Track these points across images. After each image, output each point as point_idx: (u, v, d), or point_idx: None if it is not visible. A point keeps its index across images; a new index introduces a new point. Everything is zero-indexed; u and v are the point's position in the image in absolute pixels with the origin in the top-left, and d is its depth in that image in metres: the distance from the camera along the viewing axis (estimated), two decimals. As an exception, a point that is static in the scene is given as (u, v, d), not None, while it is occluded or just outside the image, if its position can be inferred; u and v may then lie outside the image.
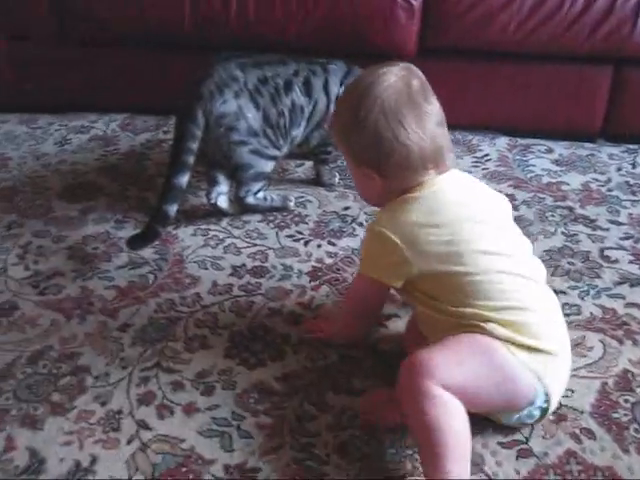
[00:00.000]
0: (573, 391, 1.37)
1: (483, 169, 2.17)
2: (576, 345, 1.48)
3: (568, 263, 1.73)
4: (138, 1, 2.28)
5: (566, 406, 1.34)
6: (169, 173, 1.79)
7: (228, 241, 1.84)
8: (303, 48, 2.24)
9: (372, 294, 1.39)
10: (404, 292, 1.33)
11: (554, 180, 2.11)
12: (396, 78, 1.26)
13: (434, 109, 1.27)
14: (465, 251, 1.23)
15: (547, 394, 1.23)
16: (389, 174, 1.28)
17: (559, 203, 1.99)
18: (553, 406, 1.26)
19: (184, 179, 1.78)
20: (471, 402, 1.17)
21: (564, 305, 1.58)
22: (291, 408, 1.35)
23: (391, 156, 1.25)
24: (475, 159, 2.23)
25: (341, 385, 1.40)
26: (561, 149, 2.29)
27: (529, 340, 1.21)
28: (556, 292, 1.59)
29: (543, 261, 1.67)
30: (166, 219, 1.77)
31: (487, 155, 2.26)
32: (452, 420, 1.14)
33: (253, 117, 1.82)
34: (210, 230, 1.89)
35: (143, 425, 1.32)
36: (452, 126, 2.31)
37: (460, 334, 1.22)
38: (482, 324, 1.21)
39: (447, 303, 1.25)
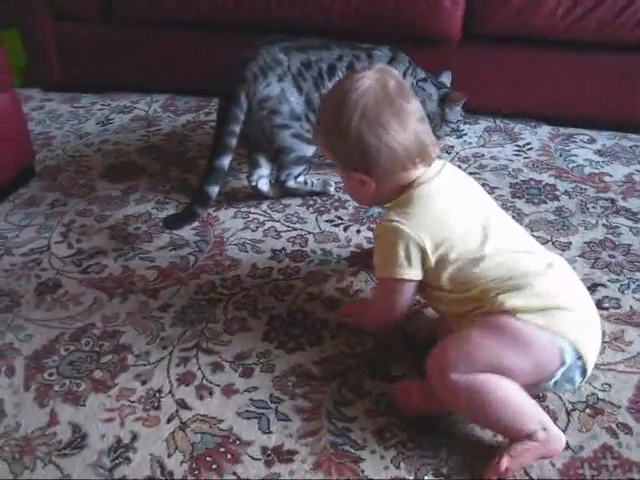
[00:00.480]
0: (610, 385, 1.36)
1: (525, 158, 2.15)
2: (615, 339, 1.47)
3: (609, 256, 1.71)
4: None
5: (603, 400, 1.33)
6: (212, 155, 1.80)
7: (268, 224, 1.85)
8: (346, 32, 2.23)
9: (397, 297, 1.35)
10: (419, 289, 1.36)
11: (596, 171, 2.08)
12: (371, 81, 1.28)
13: (413, 107, 1.29)
14: (470, 238, 1.27)
15: (576, 349, 1.20)
16: (380, 175, 1.30)
17: (601, 194, 1.96)
18: (590, 363, 1.23)
19: (226, 161, 1.80)
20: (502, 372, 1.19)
21: (604, 298, 1.58)
22: (329, 392, 1.36)
23: (379, 158, 1.27)
24: (517, 147, 2.21)
25: (378, 371, 1.40)
26: (604, 139, 2.26)
27: (537, 301, 1.21)
28: (596, 285, 1.61)
29: (583, 253, 1.70)
30: (207, 200, 1.79)
31: (529, 144, 2.24)
32: (496, 395, 1.17)
33: (296, 101, 1.82)
34: (250, 213, 1.91)
35: (183, 404, 1.34)
36: (493, 113, 2.36)
37: (471, 321, 1.25)
38: (490, 300, 1.22)
39: (455, 292, 1.28)
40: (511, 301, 1.21)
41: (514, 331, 1.20)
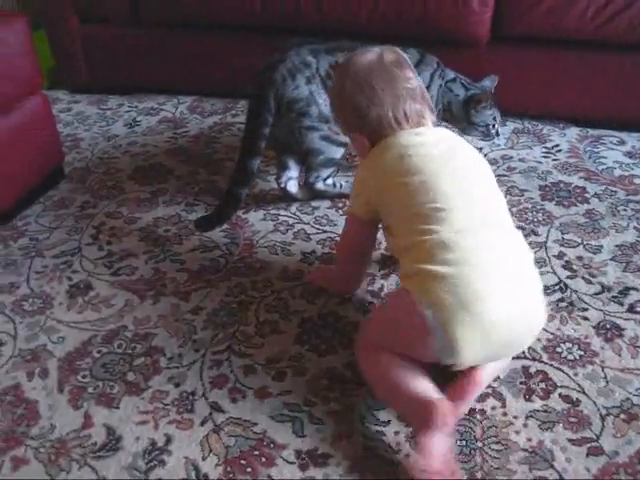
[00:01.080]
0: (645, 390, 1.36)
1: (554, 160, 2.14)
2: (649, 344, 1.47)
3: (641, 259, 1.71)
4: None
5: (637, 405, 1.33)
6: (240, 157, 1.81)
7: (298, 227, 1.85)
8: (374, 33, 2.23)
9: (357, 234, 1.52)
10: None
11: (626, 173, 2.07)
12: (372, 54, 1.42)
13: (407, 77, 1.40)
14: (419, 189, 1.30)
15: (436, 314, 1.19)
16: (371, 133, 1.41)
17: (631, 197, 1.95)
18: (462, 337, 1.19)
19: (255, 163, 1.80)
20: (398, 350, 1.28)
21: (636, 302, 1.57)
22: (361, 396, 1.36)
23: (368, 117, 1.39)
24: (545, 149, 2.20)
25: (411, 375, 1.40)
26: (634, 141, 2.25)
27: (414, 264, 1.25)
28: (628, 288, 1.60)
29: (615, 256, 1.69)
30: (237, 202, 1.80)
31: (557, 145, 2.22)
32: (389, 371, 1.28)
33: (324, 103, 1.82)
34: (280, 215, 1.91)
35: (216, 407, 1.35)
36: (521, 115, 2.35)
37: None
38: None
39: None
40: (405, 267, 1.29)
41: (390, 306, 1.32)
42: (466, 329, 1.18)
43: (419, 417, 1.21)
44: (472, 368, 1.28)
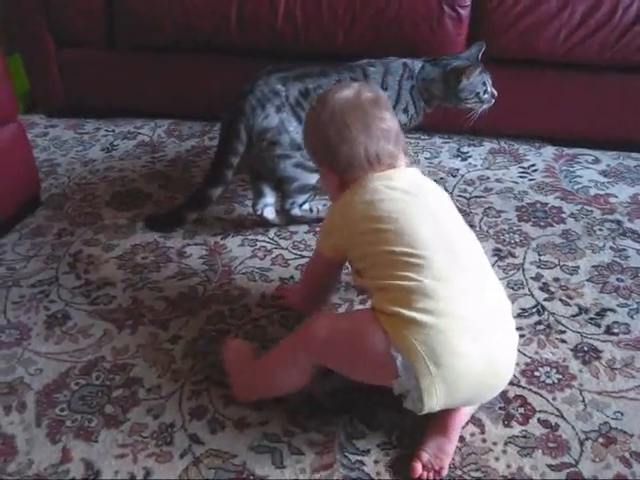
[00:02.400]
0: (622, 413, 1.37)
1: (530, 180, 2.16)
2: (625, 366, 1.48)
3: (617, 280, 1.72)
4: (186, 7, 2.29)
5: (616, 429, 1.34)
6: (204, 183, 1.87)
7: (276, 252, 1.85)
8: (350, 55, 2.23)
9: (321, 271, 1.52)
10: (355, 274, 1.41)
11: (602, 192, 2.09)
12: (349, 90, 1.41)
13: (384, 118, 1.38)
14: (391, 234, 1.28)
15: (412, 367, 1.17)
16: (341, 170, 1.38)
17: (607, 216, 1.97)
18: (431, 394, 1.18)
19: (215, 192, 1.86)
20: (344, 371, 1.32)
21: (613, 323, 1.58)
22: (341, 425, 1.36)
23: (339, 154, 1.37)
24: (522, 169, 2.21)
25: (390, 402, 1.39)
26: (608, 159, 2.27)
27: (389, 306, 1.21)
28: (605, 310, 1.61)
29: (591, 277, 1.70)
30: (181, 223, 1.92)
31: (533, 165, 2.24)
32: (289, 383, 1.35)
33: (295, 130, 1.82)
34: (258, 241, 1.91)
35: (195, 439, 1.34)
36: (498, 135, 2.36)
37: None
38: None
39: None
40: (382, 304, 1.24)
41: (361, 331, 1.24)
42: (432, 381, 1.17)
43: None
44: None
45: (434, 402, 1.19)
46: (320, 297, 1.61)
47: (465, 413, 1.32)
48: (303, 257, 1.83)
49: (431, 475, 1.26)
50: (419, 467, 1.26)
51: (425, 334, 1.17)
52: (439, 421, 1.29)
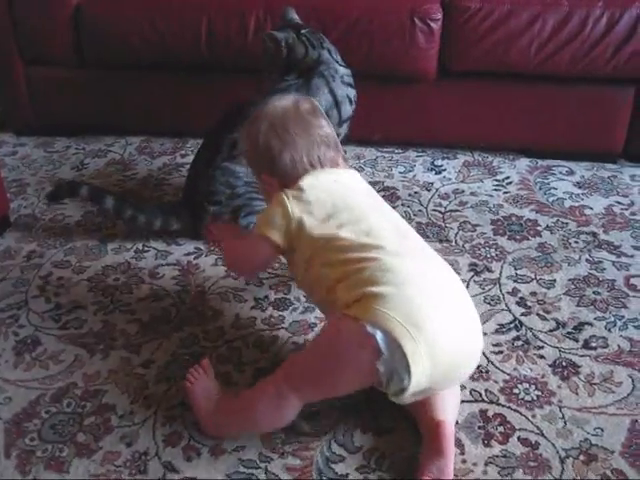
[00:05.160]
0: (603, 429, 1.36)
1: (504, 192, 2.15)
2: (604, 380, 1.47)
3: (593, 292, 1.71)
4: (155, 25, 2.27)
5: (596, 445, 1.32)
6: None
7: (249, 272, 1.82)
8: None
9: (264, 256, 1.49)
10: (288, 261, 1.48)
11: (576, 204, 2.08)
12: (287, 101, 1.48)
13: (321, 125, 1.45)
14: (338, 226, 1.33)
15: (393, 339, 1.17)
16: (282, 176, 1.43)
17: (582, 228, 1.96)
18: (418, 359, 1.17)
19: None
20: (329, 393, 1.32)
21: (591, 337, 1.57)
22: (319, 449, 1.34)
23: (281, 160, 1.42)
24: (496, 182, 2.21)
25: (368, 424, 1.38)
26: (582, 171, 2.27)
27: (358, 289, 1.23)
28: (582, 324, 1.60)
29: (568, 290, 1.69)
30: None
31: (508, 177, 2.23)
32: (271, 421, 1.33)
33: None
34: (231, 260, 1.87)
35: (170, 467, 1.31)
36: (471, 147, 2.36)
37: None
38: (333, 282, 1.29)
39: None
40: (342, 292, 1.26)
41: (331, 335, 1.27)
42: (415, 344, 1.16)
43: None
44: (434, 424, 1.27)
45: (420, 369, 1.17)
46: (251, 272, 1.70)
47: (452, 430, 1.30)
48: (278, 276, 1.81)
49: None
50: None
51: (395, 302, 1.19)
52: (433, 444, 1.27)
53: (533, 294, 1.71)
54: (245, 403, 1.34)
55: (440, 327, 1.20)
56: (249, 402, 1.33)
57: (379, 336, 1.17)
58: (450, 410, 1.33)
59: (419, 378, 1.18)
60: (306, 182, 1.39)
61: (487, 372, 1.49)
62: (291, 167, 1.41)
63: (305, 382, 1.29)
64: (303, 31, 1.99)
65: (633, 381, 1.46)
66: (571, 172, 2.27)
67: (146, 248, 1.94)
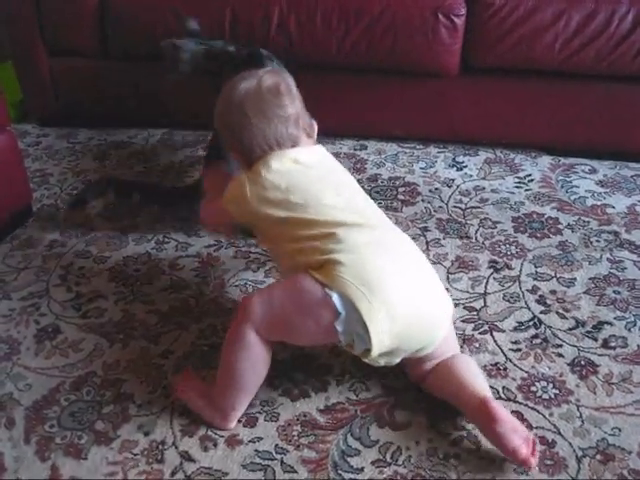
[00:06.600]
0: (620, 429, 1.35)
1: (526, 190, 2.13)
2: (623, 380, 1.46)
3: (614, 292, 1.70)
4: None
5: (613, 445, 1.32)
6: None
7: (269, 264, 1.82)
8: (344, 65, 2.24)
9: (223, 218, 1.61)
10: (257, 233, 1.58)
11: (598, 202, 2.07)
12: (249, 81, 1.49)
13: (281, 105, 1.47)
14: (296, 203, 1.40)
15: (349, 300, 1.26)
16: (245, 153, 1.49)
17: (604, 227, 1.95)
18: (375, 317, 1.26)
19: None
20: (290, 335, 1.39)
21: (610, 337, 1.56)
22: (335, 442, 1.34)
23: (242, 138, 1.47)
24: (518, 179, 2.19)
25: (384, 418, 1.38)
26: (605, 169, 2.25)
27: (318, 257, 1.33)
28: (602, 323, 1.59)
29: (588, 289, 1.68)
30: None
31: (530, 175, 2.22)
32: (248, 365, 1.36)
33: None
34: (251, 253, 1.88)
35: (187, 457, 1.32)
36: (493, 144, 2.35)
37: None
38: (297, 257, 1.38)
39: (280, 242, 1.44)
40: (305, 259, 1.35)
41: (301, 285, 1.33)
42: (369, 304, 1.26)
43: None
44: (479, 401, 1.28)
45: (378, 327, 1.26)
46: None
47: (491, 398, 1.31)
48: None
49: (532, 445, 1.26)
50: (523, 450, 1.24)
51: (350, 267, 1.29)
52: (489, 421, 1.26)
53: (553, 292, 1.70)
54: (222, 363, 1.39)
55: (395, 287, 1.30)
56: (224, 359, 1.39)
57: (335, 297, 1.27)
58: (486, 387, 1.37)
59: (379, 337, 1.27)
60: (262, 165, 1.45)
61: (505, 369, 1.49)
62: (249, 149, 1.47)
63: (266, 323, 1.34)
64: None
65: (653, 381, 1.45)
66: (594, 170, 2.25)
67: (167, 239, 1.95)
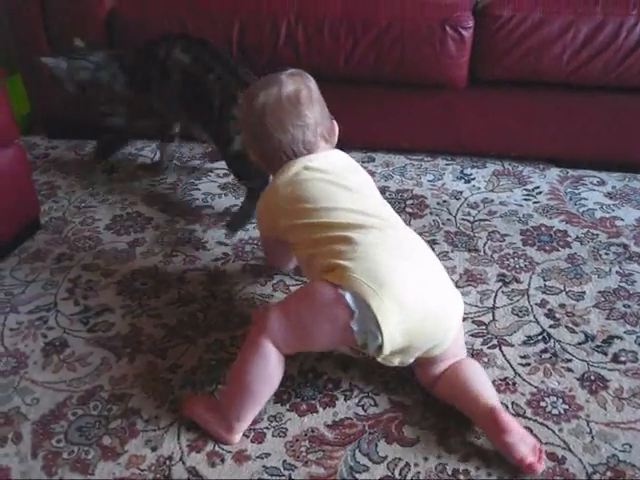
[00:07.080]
0: (631, 446, 1.34)
1: (534, 202, 2.13)
2: (633, 395, 1.44)
3: (624, 306, 1.69)
4: (188, 28, 2.27)
5: (624, 462, 1.30)
6: None
7: (277, 278, 1.82)
8: (351, 76, 2.24)
9: (271, 245, 1.71)
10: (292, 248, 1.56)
11: (607, 215, 2.06)
12: (273, 88, 1.51)
13: (300, 114, 1.50)
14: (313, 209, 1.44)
15: (361, 298, 1.28)
16: (266, 160, 1.57)
17: (613, 240, 1.94)
18: (386, 315, 1.28)
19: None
20: (307, 341, 1.39)
21: (620, 351, 1.55)
22: (343, 458, 1.33)
23: (261, 147, 1.55)
24: (526, 192, 2.19)
25: (393, 434, 1.38)
26: (614, 181, 2.24)
27: (332, 260, 1.35)
28: (612, 337, 1.58)
29: (598, 303, 1.67)
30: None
31: (538, 187, 2.21)
32: (263, 374, 1.35)
33: None
34: (259, 266, 1.88)
35: (194, 473, 1.31)
36: (501, 156, 2.34)
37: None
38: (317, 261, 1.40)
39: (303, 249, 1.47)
40: (321, 262, 1.38)
41: (314, 290, 1.36)
42: (380, 300, 1.27)
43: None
44: (489, 410, 1.29)
45: (390, 323, 1.28)
46: (282, 263, 1.80)
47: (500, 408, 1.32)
48: (305, 282, 1.80)
49: (539, 453, 1.28)
50: (530, 457, 1.26)
51: (361, 266, 1.31)
52: (498, 431, 1.28)
53: (562, 306, 1.69)
54: (234, 373, 1.39)
55: (406, 284, 1.31)
56: (236, 369, 1.38)
57: (348, 296, 1.29)
58: (494, 395, 1.37)
59: (391, 333, 1.29)
60: (277, 176, 1.52)
61: (514, 384, 1.48)
62: (269, 157, 1.54)
63: (282, 332, 1.35)
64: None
65: (664, 397, 1.44)
66: (602, 182, 2.24)
67: (174, 253, 1.95)
